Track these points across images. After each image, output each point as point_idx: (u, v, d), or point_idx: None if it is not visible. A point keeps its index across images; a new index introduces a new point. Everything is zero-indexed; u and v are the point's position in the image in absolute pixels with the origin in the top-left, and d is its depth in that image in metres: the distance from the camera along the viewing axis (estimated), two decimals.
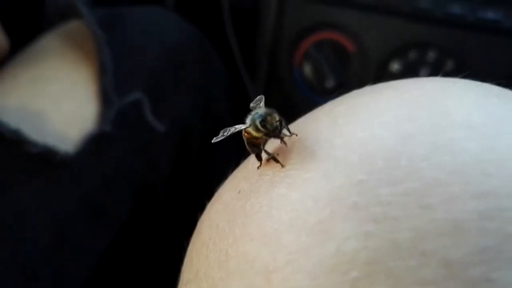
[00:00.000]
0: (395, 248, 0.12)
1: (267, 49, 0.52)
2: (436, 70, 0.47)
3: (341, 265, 0.12)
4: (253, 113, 0.16)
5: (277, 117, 0.16)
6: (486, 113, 0.14)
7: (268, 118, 0.16)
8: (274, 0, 0.51)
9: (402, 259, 0.12)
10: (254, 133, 0.16)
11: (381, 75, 0.49)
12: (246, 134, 0.17)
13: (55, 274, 0.34)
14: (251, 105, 0.18)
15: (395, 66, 0.48)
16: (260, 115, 0.16)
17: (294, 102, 0.52)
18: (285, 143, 0.16)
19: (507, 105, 0.15)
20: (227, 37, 0.52)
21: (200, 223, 0.17)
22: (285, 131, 0.16)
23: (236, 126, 0.17)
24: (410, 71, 0.47)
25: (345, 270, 0.12)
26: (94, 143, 0.34)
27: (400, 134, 0.14)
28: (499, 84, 0.16)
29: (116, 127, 0.35)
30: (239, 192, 0.16)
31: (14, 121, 0.32)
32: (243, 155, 0.18)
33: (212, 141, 0.17)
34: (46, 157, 0.32)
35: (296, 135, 0.16)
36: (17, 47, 0.39)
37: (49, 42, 0.39)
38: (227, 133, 0.17)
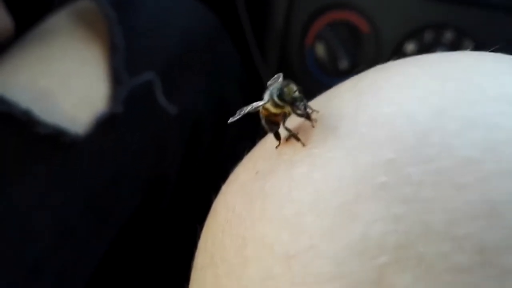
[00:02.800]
0: (426, 231, 0.11)
1: (280, 29, 0.51)
2: (453, 51, 0.46)
3: (368, 250, 0.11)
4: (270, 88, 0.16)
5: (294, 88, 0.15)
6: None
7: (285, 89, 0.15)
8: None
9: (434, 243, 0.11)
10: (273, 109, 0.15)
11: (396, 56, 0.48)
12: (264, 111, 0.16)
13: (57, 273, 0.33)
14: (268, 83, 0.17)
15: (410, 47, 0.47)
16: (277, 88, 0.15)
17: (307, 83, 0.51)
18: (309, 116, 0.15)
19: None
20: (239, 17, 0.51)
21: (215, 205, 0.17)
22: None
23: (253, 104, 0.16)
24: (426, 52, 0.47)
25: (372, 255, 0.11)
26: (104, 127, 0.33)
27: (430, 108, 0.13)
28: None
29: (127, 109, 0.34)
30: (256, 172, 0.15)
31: (23, 101, 0.31)
32: (256, 141, 0.17)
33: (229, 121, 0.16)
34: (55, 139, 0.31)
35: (318, 111, 0.15)
36: (26, 27, 0.38)
37: (59, 21, 0.38)
38: (244, 112, 0.16)
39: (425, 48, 0.47)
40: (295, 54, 0.51)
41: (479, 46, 0.44)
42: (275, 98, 0.15)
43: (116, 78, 0.34)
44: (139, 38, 0.38)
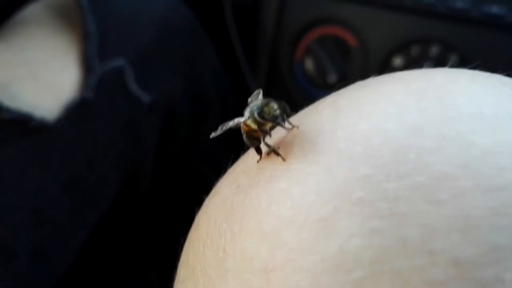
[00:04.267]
0: (402, 246, 0.11)
1: (269, 43, 0.51)
2: (439, 66, 0.46)
3: (345, 264, 0.12)
4: (251, 105, 0.16)
5: (275, 106, 0.15)
6: (497, 104, 0.14)
7: (265, 108, 0.15)
8: None
9: (409, 258, 0.11)
10: (253, 126, 0.16)
11: (384, 70, 0.48)
12: (245, 127, 0.16)
13: (34, 252, 0.33)
14: (249, 99, 0.17)
15: (397, 61, 0.47)
16: (258, 106, 0.16)
17: (296, 97, 0.51)
18: (286, 129, 0.15)
19: None
20: (228, 31, 0.52)
21: (198, 218, 0.17)
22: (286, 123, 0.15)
23: (235, 120, 0.16)
24: (412, 67, 0.47)
25: (349, 269, 0.11)
26: (75, 112, 0.34)
27: (407, 126, 0.13)
28: (509, 75, 0.16)
29: (98, 95, 0.34)
30: (237, 186, 0.15)
31: None
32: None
33: (211, 136, 0.17)
34: (21, 124, 0.31)
35: (298, 127, 0.15)
36: (2, 20, 0.38)
37: (32, 12, 0.38)
38: (226, 127, 0.16)
39: (412, 62, 0.47)
40: (285, 68, 0.51)
41: (464, 60, 0.45)
42: (256, 116, 0.15)
43: (87, 65, 0.34)
44: (112, 26, 0.38)
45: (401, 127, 0.13)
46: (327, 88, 0.50)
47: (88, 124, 0.34)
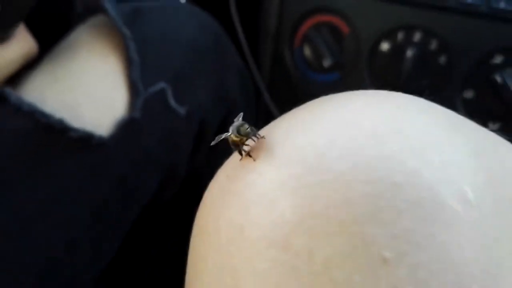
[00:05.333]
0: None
1: (271, 32, 0.56)
2: (422, 49, 0.51)
3: (280, 229, 0.19)
4: (233, 124, 0.23)
5: (246, 126, 0.23)
6: (378, 124, 0.20)
7: (241, 128, 0.23)
8: None
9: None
10: (234, 138, 0.23)
11: (373, 54, 0.53)
12: (230, 139, 0.23)
13: (93, 246, 0.39)
14: (234, 119, 0.24)
15: (385, 46, 0.52)
16: (236, 127, 0.23)
17: (296, 80, 0.57)
18: (254, 141, 0.22)
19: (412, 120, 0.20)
20: (232, 21, 0.56)
21: (204, 196, 0.24)
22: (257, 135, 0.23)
23: (224, 134, 0.24)
24: (398, 51, 0.51)
25: (284, 234, 0.19)
26: (125, 129, 0.39)
27: (325, 141, 0.20)
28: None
29: (144, 114, 0.40)
30: (227, 176, 0.23)
31: (55, 112, 0.37)
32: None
33: (211, 144, 0.24)
34: (84, 141, 0.37)
35: (264, 138, 0.22)
36: (49, 40, 0.43)
37: (79, 37, 0.43)
38: (220, 138, 0.24)
39: (398, 47, 0.51)
40: (285, 54, 0.56)
41: (444, 44, 0.49)
42: (235, 133, 0.23)
43: (133, 89, 0.40)
44: (150, 49, 0.43)
45: (323, 142, 0.20)
46: (323, 71, 0.55)
47: (135, 138, 0.40)
